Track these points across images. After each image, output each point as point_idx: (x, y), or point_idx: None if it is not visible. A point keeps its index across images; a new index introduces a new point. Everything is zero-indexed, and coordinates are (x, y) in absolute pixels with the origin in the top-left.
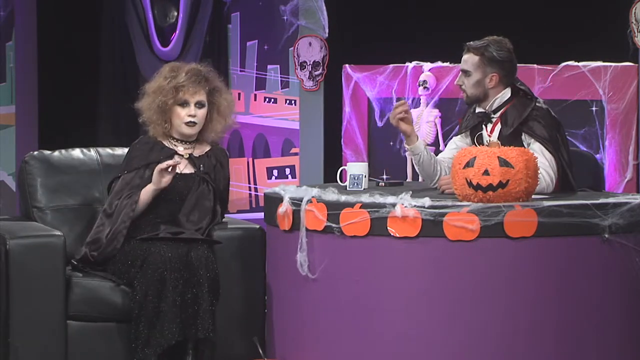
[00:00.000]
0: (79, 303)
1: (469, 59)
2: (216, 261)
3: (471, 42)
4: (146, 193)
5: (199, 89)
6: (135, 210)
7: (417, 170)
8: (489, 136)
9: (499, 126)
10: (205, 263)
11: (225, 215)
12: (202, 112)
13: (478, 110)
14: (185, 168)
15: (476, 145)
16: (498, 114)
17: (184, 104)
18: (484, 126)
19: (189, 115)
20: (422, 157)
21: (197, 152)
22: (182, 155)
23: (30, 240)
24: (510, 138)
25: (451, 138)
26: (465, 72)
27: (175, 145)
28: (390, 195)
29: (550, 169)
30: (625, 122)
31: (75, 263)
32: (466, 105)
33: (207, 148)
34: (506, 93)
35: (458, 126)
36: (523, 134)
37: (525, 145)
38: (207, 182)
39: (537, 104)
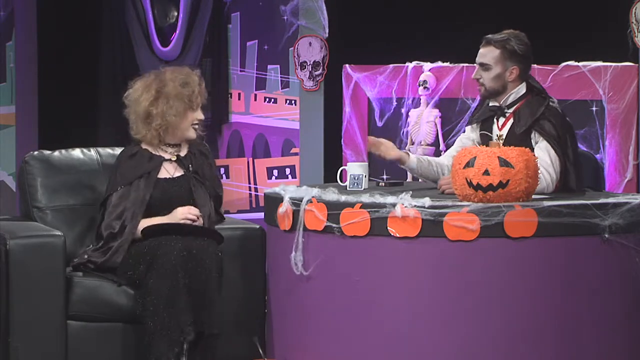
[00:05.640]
0: (79, 303)
1: (488, 53)
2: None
3: (490, 35)
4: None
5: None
6: (137, 231)
7: (421, 179)
8: (500, 130)
9: (510, 122)
10: (214, 260)
11: (225, 215)
12: None
13: (492, 104)
14: (175, 171)
15: (480, 143)
16: (512, 109)
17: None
18: (495, 120)
19: (198, 119)
20: (420, 169)
21: (182, 152)
22: (170, 159)
23: (30, 240)
24: (520, 135)
25: (458, 135)
26: (484, 66)
27: (164, 150)
28: (390, 195)
29: (552, 168)
30: (625, 122)
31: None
32: (466, 105)
33: (187, 145)
34: (522, 88)
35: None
36: (533, 131)
37: (534, 143)
38: (198, 180)
39: (550, 103)
